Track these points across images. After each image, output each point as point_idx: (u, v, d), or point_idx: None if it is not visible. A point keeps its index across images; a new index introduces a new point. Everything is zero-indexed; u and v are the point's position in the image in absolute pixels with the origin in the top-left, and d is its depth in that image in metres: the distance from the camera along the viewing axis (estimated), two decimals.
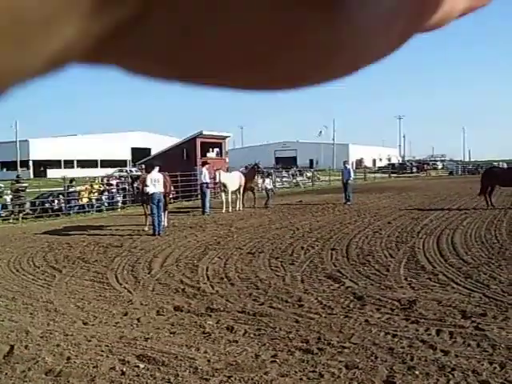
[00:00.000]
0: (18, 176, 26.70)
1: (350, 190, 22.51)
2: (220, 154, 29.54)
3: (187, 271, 9.01)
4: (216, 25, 0.19)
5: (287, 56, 0.20)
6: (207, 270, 8.99)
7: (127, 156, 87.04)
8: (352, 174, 23.46)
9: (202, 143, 27.87)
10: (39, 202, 21.95)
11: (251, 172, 22.40)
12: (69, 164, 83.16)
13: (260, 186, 22.78)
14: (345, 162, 24.34)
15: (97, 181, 27.20)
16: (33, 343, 5.47)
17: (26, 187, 22.62)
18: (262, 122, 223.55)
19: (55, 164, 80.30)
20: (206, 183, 19.50)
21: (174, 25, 0.19)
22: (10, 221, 19.36)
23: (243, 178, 21.06)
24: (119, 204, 23.65)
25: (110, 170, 58.98)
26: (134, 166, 53.68)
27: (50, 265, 10.03)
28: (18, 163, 74.90)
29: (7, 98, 0.20)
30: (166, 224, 14.99)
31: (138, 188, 14.83)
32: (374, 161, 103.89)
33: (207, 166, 19.97)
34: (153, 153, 52.85)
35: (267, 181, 22.27)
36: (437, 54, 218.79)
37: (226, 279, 8.29)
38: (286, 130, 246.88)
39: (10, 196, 21.34)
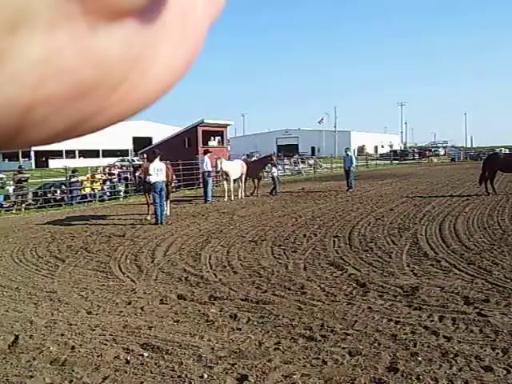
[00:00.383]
0: (20, 167, 26.74)
1: (352, 177, 22.52)
2: (221, 142, 29.48)
3: (190, 260, 9.03)
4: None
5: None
6: (210, 259, 9.01)
7: (129, 145, 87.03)
8: (354, 160, 23.41)
9: (203, 131, 27.81)
10: (41, 192, 21.96)
11: (263, 161, 22.59)
12: (70, 154, 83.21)
13: (266, 174, 22.85)
14: (346, 149, 24.28)
15: (99, 170, 27.20)
16: (37, 333, 5.50)
17: (28, 178, 22.66)
18: (263, 110, 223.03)
19: (57, 154, 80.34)
20: (208, 172, 19.49)
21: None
22: (13, 211, 19.39)
23: (245, 167, 21.09)
24: (121, 193, 23.64)
25: (111, 160, 59.03)
26: (136, 155, 53.71)
27: (53, 255, 10.06)
28: (20, 154, 74.92)
29: None
30: (168, 213, 15.00)
31: (140, 177, 14.82)
32: (376, 148, 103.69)
33: (209, 154, 19.95)
34: (154, 142, 52.88)
35: (274, 169, 22.30)
36: (438, 39, 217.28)
37: (228, 267, 8.31)
38: (287, 118, 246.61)
39: (13, 187, 21.35)
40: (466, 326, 5.17)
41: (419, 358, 4.43)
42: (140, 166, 15.85)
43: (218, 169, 19.73)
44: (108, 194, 23.28)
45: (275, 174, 22.11)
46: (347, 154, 23.33)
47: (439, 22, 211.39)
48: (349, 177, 22.48)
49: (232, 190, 19.97)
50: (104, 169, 28.04)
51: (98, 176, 24.74)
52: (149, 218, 14.42)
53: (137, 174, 15.10)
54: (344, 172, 23.32)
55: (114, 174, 25.40)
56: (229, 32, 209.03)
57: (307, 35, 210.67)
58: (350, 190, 21.81)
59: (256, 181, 21.76)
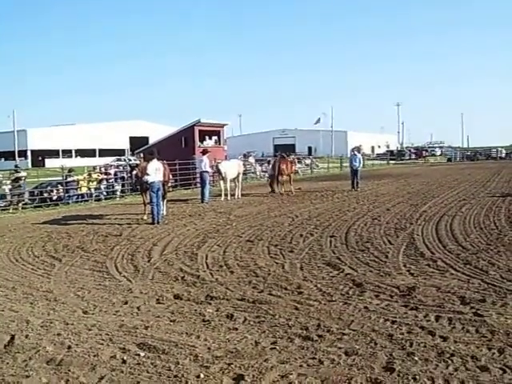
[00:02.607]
0: (16, 166, 26.68)
1: (359, 177, 22.69)
2: (218, 141, 29.48)
3: (186, 259, 9.02)
4: None
5: None
6: (206, 258, 9.00)
7: (125, 145, 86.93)
8: (361, 161, 23.59)
9: (200, 131, 27.80)
10: (38, 191, 21.90)
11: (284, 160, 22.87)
12: (67, 153, 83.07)
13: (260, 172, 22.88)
14: (354, 149, 24.41)
15: (95, 170, 27.15)
16: (33, 332, 5.48)
17: (25, 177, 22.62)
18: (260, 110, 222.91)
19: (53, 153, 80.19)
20: (206, 172, 19.46)
21: None
22: (10, 211, 19.32)
23: (242, 166, 21.12)
24: (118, 193, 23.60)
25: (108, 159, 58.93)
26: (133, 154, 53.63)
27: (49, 254, 10.03)
28: (16, 153, 74.76)
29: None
30: (164, 212, 14.99)
31: (136, 176, 14.79)
32: (373, 148, 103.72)
33: (208, 154, 19.92)
34: (151, 141, 52.80)
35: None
36: (435, 40, 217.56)
37: (225, 267, 8.30)
38: (284, 118, 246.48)
39: (9, 186, 21.25)
40: (462, 325, 5.18)
41: (415, 358, 4.44)
42: (137, 165, 15.81)
43: (222, 174, 19.73)
44: (105, 193, 23.23)
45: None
46: (355, 154, 23.37)
47: (436, 21, 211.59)
48: (356, 177, 22.56)
49: (229, 189, 19.97)
50: (101, 168, 27.97)
51: (95, 175, 24.68)
52: (145, 217, 14.40)
53: (133, 172, 15.05)
54: (350, 171, 23.33)
55: (110, 174, 25.35)
56: (226, 31, 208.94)
57: (305, 35, 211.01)
58: (358, 189, 21.87)
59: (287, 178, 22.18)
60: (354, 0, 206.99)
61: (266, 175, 22.41)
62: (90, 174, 24.83)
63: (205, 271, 8.08)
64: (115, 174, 25.39)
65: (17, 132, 76.73)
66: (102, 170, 27.24)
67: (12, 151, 75.64)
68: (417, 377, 4.10)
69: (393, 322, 5.36)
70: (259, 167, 23.04)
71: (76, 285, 7.57)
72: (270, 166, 23.02)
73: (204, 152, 20.23)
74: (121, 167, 28.82)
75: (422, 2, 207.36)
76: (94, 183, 23.59)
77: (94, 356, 4.76)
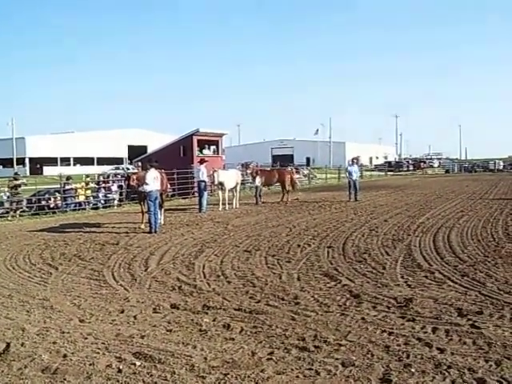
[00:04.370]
0: (16, 173, 26.68)
1: (358, 188, 22.75)
2: (217, 151, 29.50)
3: (184, 269, 9.00)
4: None
5: None
6: (204, 268, 8.99)
7: (124, 153, 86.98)
8: (358, 171, 23.79)
9: (198, 141, 27.83)
10: (35, 199, 21.85)
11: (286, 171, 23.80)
12: (65, 161, 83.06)
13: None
14: (353, 159, 24.66)
15: (89, 178, 27.15)
16: (29, 340, 5.46)
17: (25, 184, 22.62)
18: (259, 120, 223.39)
19: (52, 161, 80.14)
20: (204, 181, 19.45)
21: None
22: (8, 218, 19.26)
23: (240, 176, 21.16)
24: (115, 202, 23.56)
25: (106, 168, 58.95)
26: (131, 163, 53.70)
27: (46, 262, 10.01)
28: (15, 160, 74.76)
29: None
30: (162, 222, 14.98)
31: (131, 185, 14.75)
32: (371, 159, 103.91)
33: (205, 163, 19.92)
34: (149, 150, 52.86)
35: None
36: (433, 53, 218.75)
37: (222, 277, 8.29)
38: (283, 128, 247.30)
39: (7, 194, 21.20)
40: (459, 337, 5.17)
41: (412, 370, 4.43)
42: (134, 173, 15.80)
43: (216, 182, 19.74)
44: (102, 201, 23.19)
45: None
46: (353, 165, 23.57)
47: (433, 34, 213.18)
48: (354, 187, 22.53)
49: (227, 199, 19.96)
50: (98, 176, 27.96)
51: (93, 184, 24.65)
52: (143, 226, 14.39)
53: (132, 182, 15.02)
54: (348, 182, 23.33)
55: (108, 182, 25.33)
56: (225, 43, 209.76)
57: (303, 47, 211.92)
58: (356, 200, 21.88)
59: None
60: (351, 13, 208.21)
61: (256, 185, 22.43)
62: (87, 182, 24.80)
63: (202, 281, 8.07)
64: (113, 183, 25.37)
65: (15, 139, 76.76)
66: (101, 178, 27.23)
67: (10, 158, 75.62)
68: None
69: (390, 334, 5.35)
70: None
71: (72, 293, 7.54)
72: (258, 177, 22.92)
73: (201, 161, 20.23)
74: (119, 176, 28.76)
75: (415, 22, 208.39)
76: (92, 191, 23.55)
77: (90, 365, 4.73)
